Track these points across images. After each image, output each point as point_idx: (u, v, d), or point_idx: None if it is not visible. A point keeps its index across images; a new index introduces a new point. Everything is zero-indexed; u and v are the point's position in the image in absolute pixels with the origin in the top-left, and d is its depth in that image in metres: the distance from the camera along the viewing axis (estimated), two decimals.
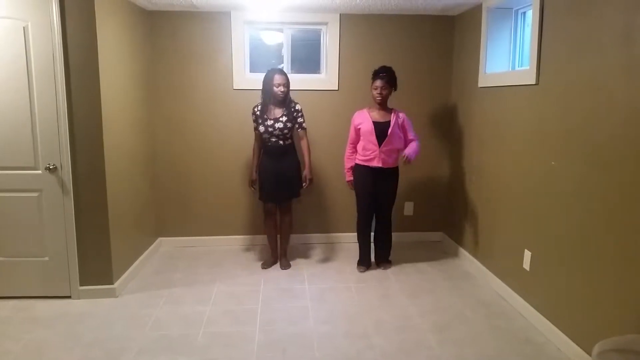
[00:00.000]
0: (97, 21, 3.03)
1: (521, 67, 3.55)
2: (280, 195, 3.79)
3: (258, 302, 3.28)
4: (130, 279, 3.60)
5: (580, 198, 2.55)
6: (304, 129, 3.76)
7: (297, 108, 3.70)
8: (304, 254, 4.25)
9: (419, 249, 4.39)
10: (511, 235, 3.28)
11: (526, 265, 3.06)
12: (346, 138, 3.81)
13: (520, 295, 3.15)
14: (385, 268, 3.89)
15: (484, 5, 3.66)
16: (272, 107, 3.67)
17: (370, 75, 3.64)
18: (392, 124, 3.61)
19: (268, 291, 3.47)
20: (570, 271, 2.64)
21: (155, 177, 4.30)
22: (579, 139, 2.56)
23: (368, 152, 3.65)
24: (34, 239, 3.22)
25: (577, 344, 2.56)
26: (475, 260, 3.87)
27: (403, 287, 3.55)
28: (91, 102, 3.10)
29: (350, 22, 4.22)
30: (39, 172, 3.15)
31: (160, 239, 4.40)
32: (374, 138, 3.60)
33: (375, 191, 3.74)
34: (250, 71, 4.31)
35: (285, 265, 3.92)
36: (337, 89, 4.31)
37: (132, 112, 3.73)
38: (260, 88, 3.68)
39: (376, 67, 3.64)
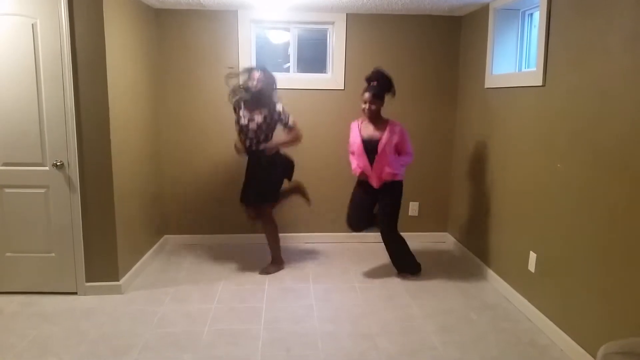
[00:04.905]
0: (105, 19, 3.05)
1: (528, 68, 3.54)
2: (246, 196, 3.71)
3: (263, 301, 3.29)
4: (136, 276, 3.62)
5: (586, 200, 2.54)
6: (291, 127, 3.60)
7: (278, 109, 3.52)
8: (309, 253, 4.26)
9: (424, 250, 4.39)
10: (516, 236, 3.28)
11: (531, 267, 3.06)
12: None
13: (525, 297, 3.15)
14: (403, 278, 3.71)
15: (491, 6, 3.65)
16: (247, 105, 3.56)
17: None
18: (382, 142, 3.37)
19: (273, 290, 3.48)
20: (575, 273, 2.64)
21: (161, 174, 4.31)
22: (585, 141, 2.55)
23: (365, 170, 3.49)
24: (41, 235, 3.24)
25: (581, 347, 2.56)
26: (480, 262, 3.87)
27: (407, 288, 3.55)
28: (98, 99, 3.11)
29: (356, 21, 4.23)
30: (46, 168, 3.17)
31: (166, 236, 4.42)
32: (364, 158, 3.42)
33: (376, 202, 3.63)
34: None
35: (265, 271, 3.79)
36: (343, 88, 4.31)
37: (139, 109, 3.75)
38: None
39: (370, 71, 3.42)
